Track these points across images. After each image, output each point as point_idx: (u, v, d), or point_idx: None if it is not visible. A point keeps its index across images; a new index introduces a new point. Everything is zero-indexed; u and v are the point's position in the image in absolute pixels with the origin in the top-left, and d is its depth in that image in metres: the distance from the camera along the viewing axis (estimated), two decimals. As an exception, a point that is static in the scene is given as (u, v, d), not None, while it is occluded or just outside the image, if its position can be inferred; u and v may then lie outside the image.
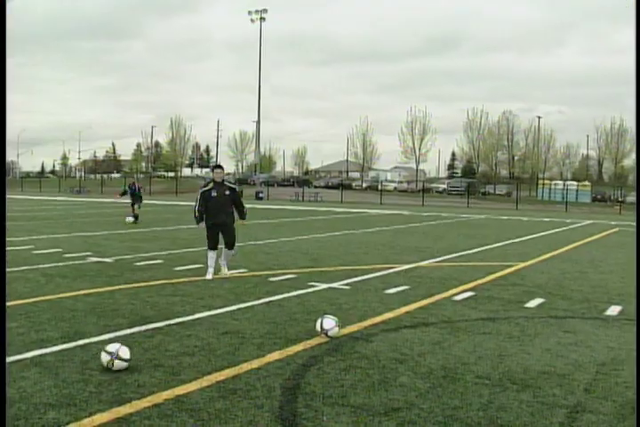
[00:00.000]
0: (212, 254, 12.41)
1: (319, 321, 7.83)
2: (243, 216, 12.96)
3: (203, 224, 12.41)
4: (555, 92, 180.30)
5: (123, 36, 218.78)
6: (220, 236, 12.55)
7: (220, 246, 12.60)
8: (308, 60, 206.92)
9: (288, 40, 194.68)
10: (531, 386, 6.17)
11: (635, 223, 26.69)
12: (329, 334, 7.72)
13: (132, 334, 7.72)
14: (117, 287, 10.82)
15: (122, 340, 7.39)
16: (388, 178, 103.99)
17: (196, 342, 7.40)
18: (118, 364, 6.33)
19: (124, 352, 6.42)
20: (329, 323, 7.76)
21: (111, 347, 6.45)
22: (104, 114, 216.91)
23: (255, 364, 6.62)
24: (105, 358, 6.36)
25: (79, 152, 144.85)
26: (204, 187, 12.49)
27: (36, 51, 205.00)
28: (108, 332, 7.76)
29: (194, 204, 12.64)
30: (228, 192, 12.42)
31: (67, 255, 14.75)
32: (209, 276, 12.12)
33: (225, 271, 12.47)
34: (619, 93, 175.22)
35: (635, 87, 4.44)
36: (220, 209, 12.34)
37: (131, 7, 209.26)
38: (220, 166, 13.14)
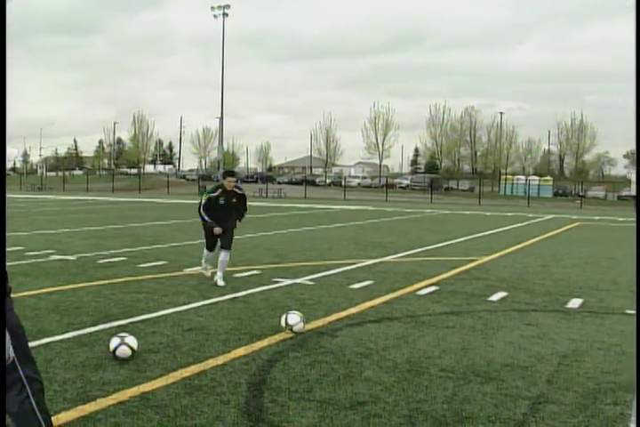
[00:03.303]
0: (209, 255, 11.89)
1: (284, 317, 7.84)
2: (240, 219, 11.98)
3: (218, 229, 11.36)
4: (515, 88, 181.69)
5: (85, 32, 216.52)
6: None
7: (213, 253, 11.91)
8: (272, 56, 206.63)
9: (251, 36, 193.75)
10: (494, 378, 6.24)
11: (635, 223, 26.97)
12: (294, 329, 7.73)
13: (97, 331, 7.67)
14: (81, 285, 10.73)
15: (86, 338, 7.36)
16: (352, 174, 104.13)
17: (160, 339, 7.37)
18: (123, 350, 6.48)
19: (132, 341, 6.58)
20: (294, 318, 7.78)
21: (122, 334, 6.72)
22: (66, 110, 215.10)
23: (220, 360, 6.62)
24: (114, 341, 6.54)
25: (40, 149, 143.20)
26: (212, 192, 11.53)
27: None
28: (72, 330, 7.70)
29: (199, 204, 11.52)
30: (235, 200, 11.61)
31: (28, 253, 14.59)
32: (208, 273, 11.77)
33: (220, 282, 11.12)
34: (577, 90, 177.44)
35: (635, 86, 4.50)
36: (227, 217, 11.55)
37: (93, 2, 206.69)
38: (232, 173, 12.06)
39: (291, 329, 7.72)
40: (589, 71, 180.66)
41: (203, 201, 11.48)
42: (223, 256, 11.36)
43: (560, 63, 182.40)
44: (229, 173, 11.87)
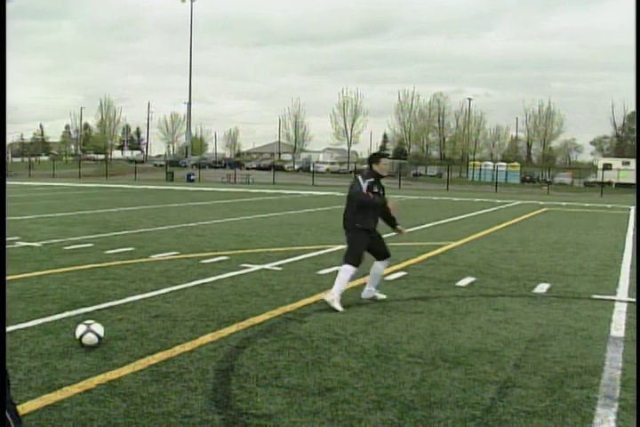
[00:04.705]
0: (354, 273, 8.88)
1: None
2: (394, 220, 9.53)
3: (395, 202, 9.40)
4: (481, 75, 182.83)
5: (52, 16, 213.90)
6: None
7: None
8: (241, 41, 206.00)
9: (221, 21, 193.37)
10: (462, 363, 6.26)
11: (634, 219, 27.15)
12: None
13: (62, 319, 7.59)
14: (46, 272, 10.62)
15: (51, 325, 7.28)
16: (321, 159, 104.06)
17: (127, 326, 7.31)
18: (89, 337, 6.40)
19: (98, 328, 6.49)
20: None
21: (88, 321, 6.62)
22: (32, 95, 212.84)
23: (188, 346, 6.58)
24: (80, 328, 6.45)
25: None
26: (368, 178, 8.76)
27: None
28: (38, 317, 7.61)
29: (359, 198, 8.74)
30: (382, 192, 8.95)
31: (-7, 240, 14.40)
32: (339, 306, 8.47)
33: (380, 295, 9.27)
34: (543, 77, 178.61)
35: (634, 83, 4.53)
36: (377, 212, 8.98)
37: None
38: (386, 155, 9.28)
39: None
40: (556, 59, 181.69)
41: (365, 187, 8.68)
42: (383, 266, 9.25)
43: (526, 50, 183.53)
44: (384, 155, 9.17)
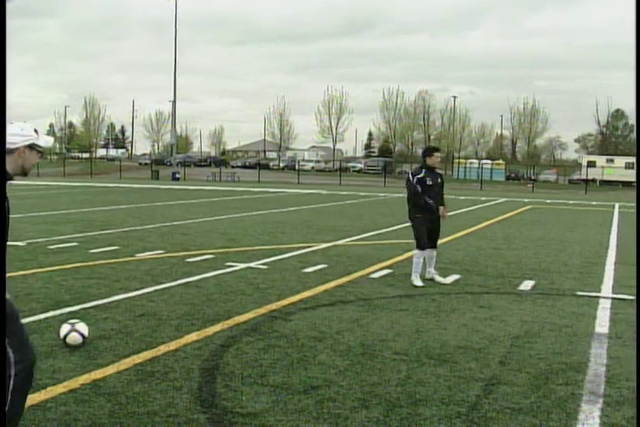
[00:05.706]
0: (423, 255, 10.35)
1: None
2: (444, 203, 10.52)
3: (443, 209, 10.33)
4: (466, 73, 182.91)
5: (36, 15, 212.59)
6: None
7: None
8: (226, 40, 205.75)
9: (206, 20, 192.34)
10: (447, 361, 6.27)
11: (635, 216, 27.25)
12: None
13: (47, 318, 7.55)
14: (31, 271, 10.55)
15: (35, 325, 7.24)
16: (306, 157, 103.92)
17: (112, 325, 7.28)
18: (74, 337, 6.35)
19: (83, 327, 6.45)
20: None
21: (72, 320, 6.59)
22: (16, 94, 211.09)
23: (173, 346, 6.56)
24: (65, 328, 6.41)
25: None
26: (417, 174, 10.24)
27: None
28: (22, 317, 7.54)
29: (411, 189, 10.22)
30: (439, 180, 10.40)
31: (-23, 239, 14.31)
32: (420, 282, 10.07)
33: (442, 279, 10.52)
34: (527, 75, 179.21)
35: (634, 83, 4.53)
36: (436, 200, 10.25)
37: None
38: (437, 149, 10.86)
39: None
40: (540, 57, 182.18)
41: (412, 183, 10.18)
42: (433, 252, 10.56)
43: (511, 49, 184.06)
44: (435, 149, 10.70)
